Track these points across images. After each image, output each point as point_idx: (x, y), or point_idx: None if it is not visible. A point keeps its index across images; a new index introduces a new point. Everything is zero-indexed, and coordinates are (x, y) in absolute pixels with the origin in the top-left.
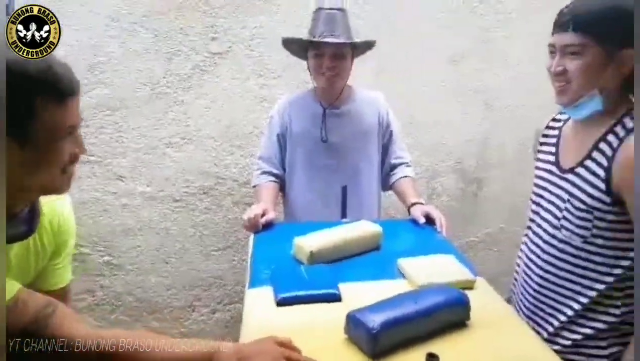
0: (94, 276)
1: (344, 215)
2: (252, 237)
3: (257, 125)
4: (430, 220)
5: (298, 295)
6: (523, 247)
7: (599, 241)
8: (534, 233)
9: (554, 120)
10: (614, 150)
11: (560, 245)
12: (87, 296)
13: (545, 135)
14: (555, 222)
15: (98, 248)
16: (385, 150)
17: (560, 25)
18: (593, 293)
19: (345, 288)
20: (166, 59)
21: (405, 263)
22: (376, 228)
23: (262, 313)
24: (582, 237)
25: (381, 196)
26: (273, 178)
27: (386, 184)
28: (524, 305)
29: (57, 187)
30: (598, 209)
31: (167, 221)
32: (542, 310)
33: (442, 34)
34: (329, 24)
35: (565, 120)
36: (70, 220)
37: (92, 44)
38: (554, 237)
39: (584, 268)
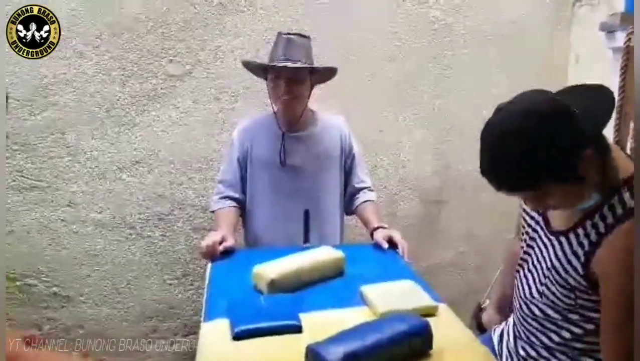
0: (41, 309)
1: (306, 239)
2: (209, 265)
3: (217, 149)
4: (393, 245)
5: (256, 328)
6: (517, 280)
7: (582, 311)
8: (525, 281)
9: None
10: (607, 229)
11: (546, 309)
12: (32, 330)
13: None
14: (540, 284)
15: (44, 279)
16: (347, 174)
17: (498, 188)
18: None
19: (306, 318)
20: (121, 81)
21: (367, 290)
22: (338, 255)
23: (217, 349)
24: (567, 304)
25: (344, 219)
26: (233, 203)
27: (349, 208)
28: (513, 336)
29: None
30: (579, 289)
31: (120, 249)
32: (526, 346)
33: (401, 58)
34: (288, 48)
35: None
36: None
37: (40, 63)
38: (544, 295)
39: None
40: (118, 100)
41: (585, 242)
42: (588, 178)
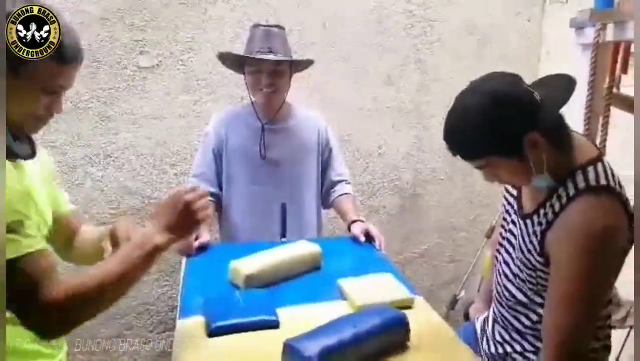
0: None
1: (283, 233)
2: (184, 261)
3: (191, 142)
4: (369, 238)
5: (232, 324)
6: (495, 264)
7: (545, 294)
8: (500, 264)
9: None
10: (561, 208)
11: (515, 291)
12: None
13: None
14: (512, 267)
15: None
16: (324, 167)
17: (453, 154)
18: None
19: (283, 313)
20: (89, 73)
21: (344, 283)
22: (315, 249)
23: (193, 345)
24: (532, 285)
25: (321, 213)
26: (208, 197)
27: (326, 202)
28: (492, 320)
29: (24, 127)
30: (539, 269)
31: None
32: (501, 330)
33: (377, 53)
34: (267, 40)
35: None
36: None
37: None
38: (516, 276)
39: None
40: (86, 92)
41: (543, 221)
42: (535, 158)
